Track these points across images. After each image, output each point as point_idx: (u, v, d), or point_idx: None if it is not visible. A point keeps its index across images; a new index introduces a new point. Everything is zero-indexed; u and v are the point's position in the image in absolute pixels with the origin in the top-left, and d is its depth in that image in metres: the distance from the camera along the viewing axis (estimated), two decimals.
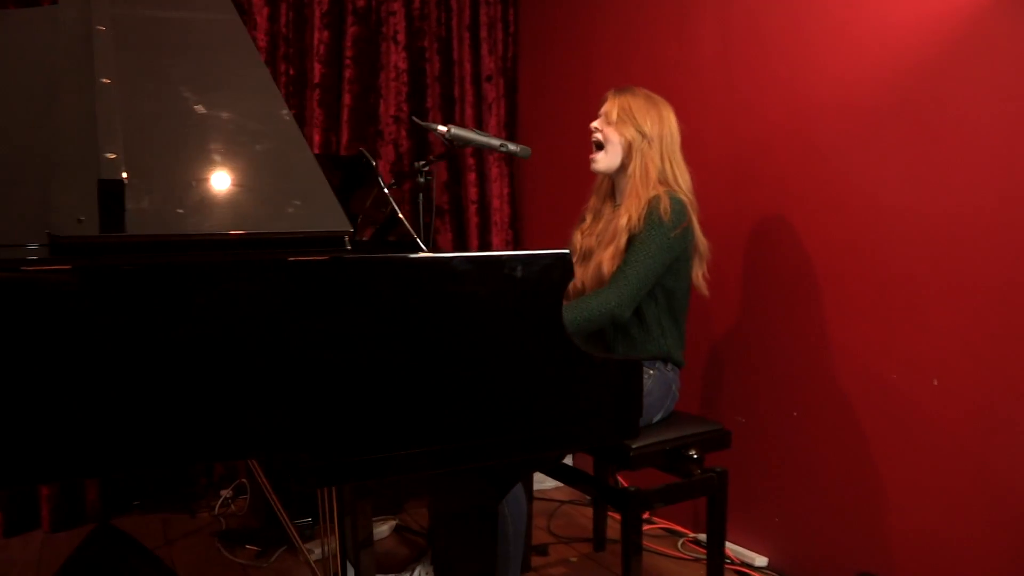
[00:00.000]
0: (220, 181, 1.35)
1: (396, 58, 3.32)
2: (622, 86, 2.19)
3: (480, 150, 3.50)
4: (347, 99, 3.21)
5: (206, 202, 1.31)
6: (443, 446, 1.39)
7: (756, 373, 2.51)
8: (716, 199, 2.61)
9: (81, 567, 1.92)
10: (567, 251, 1.47)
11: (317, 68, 3.14)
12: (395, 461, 1.37)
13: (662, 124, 2.13)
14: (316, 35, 3.14)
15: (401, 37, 3.31)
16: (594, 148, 2.18)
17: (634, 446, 2.03)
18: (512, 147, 2.18)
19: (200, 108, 1.58)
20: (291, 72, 3.13)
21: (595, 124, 2.18)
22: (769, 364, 2.46)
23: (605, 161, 2.16)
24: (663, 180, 2.11)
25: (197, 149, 1.43)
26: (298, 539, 2.08)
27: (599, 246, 2.12)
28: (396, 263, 1.33)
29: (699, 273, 2.18)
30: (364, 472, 1.36)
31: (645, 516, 2.93)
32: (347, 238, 1.31)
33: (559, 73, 3.35)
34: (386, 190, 1.71)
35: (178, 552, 2.66)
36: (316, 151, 3.16)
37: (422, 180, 2.35)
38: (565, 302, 2.13)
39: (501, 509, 2.01)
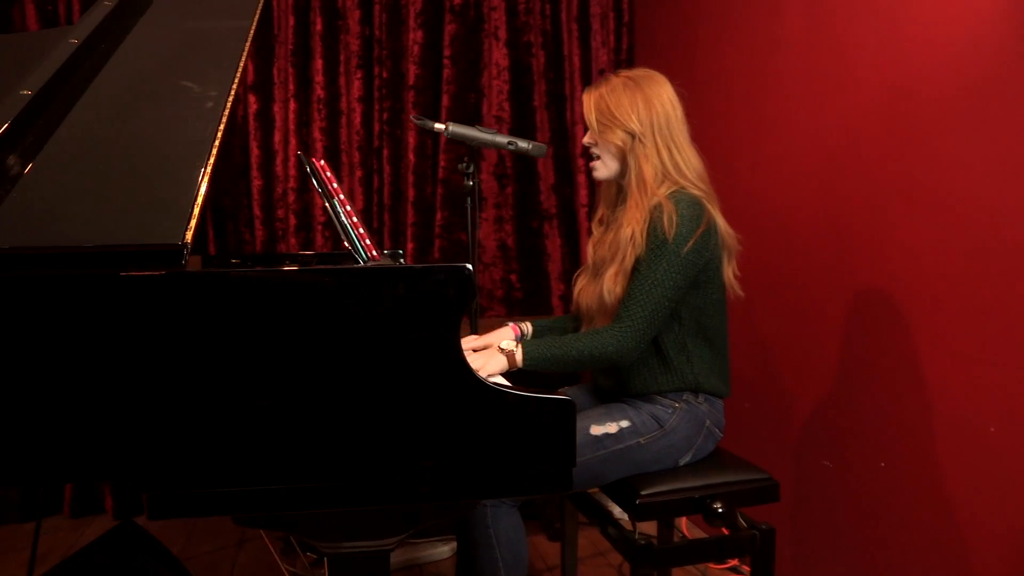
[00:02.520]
0: (83, 190, 1.28)
1: (497, 55, 3.17)
2: (596, 80, 1.89)
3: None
4: (445, 100, 3.12)
5: (53, 212, 1.24)
6: (298, 485, 1.22)
7: (843, 412, 2.08)
8: (800, 198, 2.21)
9: (89, 560, 1.97)
10: (466, 265, 1.26)
11: (412, 69, 3.07)
12: (245, 497, 1.23)
13: (650, 109, 1.79)
14: (410, 35, 3.07)
15: (502, 33, 3.16)
16: (593, 156, 1.90)
17: (643, 492, 1.74)
18: (523, 144, 1.96)
19: (125, 114, 1.55)
20: (384, 75, 3.08)
21: (586, 140, 1.89)
22: (857, 403, 2.02)
23: (604, 169, 1.87)
24: (666, 176, 1.78)
25: (88, 158, 1.37)
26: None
27: (610, 260, 1.83)
28: (228, 279, 1.19)
29: (729, 272, 1.82)
30: (209, 507, 1.23)
31: (732, 563, 2.56)
32: (185, 251, 1.19)
33: (676, 61, 3.03)
34: (325, 199, 1.56)
35: (244, 553, 2.70)
36: (411, 155, 3.09)
37: (470, 183, 2.20)
38: (586, 326, 1.88)
39: (493, 554, 1.81)
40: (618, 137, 1.80)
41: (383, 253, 2.47)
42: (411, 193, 3.11)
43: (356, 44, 3.06)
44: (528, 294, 3.31)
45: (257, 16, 2.04)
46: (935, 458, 1.79)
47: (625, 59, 3.27)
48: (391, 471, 1.24)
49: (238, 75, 1.73)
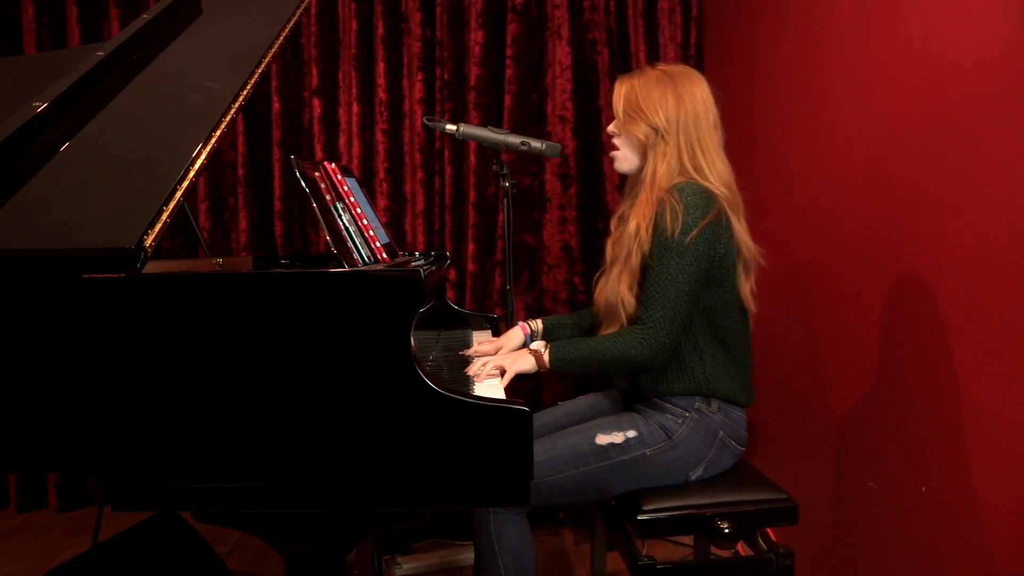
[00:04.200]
0: (64, 196, 1.34)
1: (560, 54, 3.12)
2: (633, 70, 1.83)
3: None
4: (507, 100, 3.09)
5: (24, 217, 1.30)
6: (248, 485, 1.24)
7: (887, 431, 1.92)
8: (851, 196, 2.06)
9: (126, 544, 2.07)
10: (417, 270, 1.24)
11: (473, 70, 3.07)
12: (200, 494, 1.25)
13: (680, 107, 1.71)
14: (472, 36, 3.07)
15: (565, 31, 3.10)
16: (613, 147, 1.85)
17: (645, 508, 1.67)
18: (536, 144, 1.92)
19: (135, 121, 1.61)
20: (445, 76, 3.09)
21: (610, 128, 1.84)
22: (902, 421, 1.86)
23: (624, 162, 1.82)
24: (682, 173, 1.71)
25: (83, 164, 1.44)
26: None
27: (618, 258, 1.77)
28: (180, 281, 1.22)
29: (746, 288, 1.73)
30: (166, 501, 1.26)
31: None
32: (143, 255, 1.22)
33: (739, 56, 2.89)
34: (315, 203, 1.57)
35: None
36: (472, 156, 3.09)
37: (506, 184, 2.18)
38: (603, 330, 1.82)
39: (495, 562, 1.78)
40: (641, 131, 1.75)
41: (425, 255, 2.48)
42: (472, 194, 3.11)
43: (417, 46, 3.08)
44: (592, 296, 3.24)
45: (291, 23, 2.09)
46: (975, 485, 1.62)
47: (694, 55, 3.15)
48: (339, 475, 1.24)
49: (252, 81, 1.77)
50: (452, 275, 3.14)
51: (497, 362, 1.75)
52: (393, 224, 3.15)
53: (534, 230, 3.20)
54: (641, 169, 1.80)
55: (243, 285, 1.23)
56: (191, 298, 1.22)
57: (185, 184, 1.39)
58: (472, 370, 1.73)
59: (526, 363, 1.74)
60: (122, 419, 1.22)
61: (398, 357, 1.23)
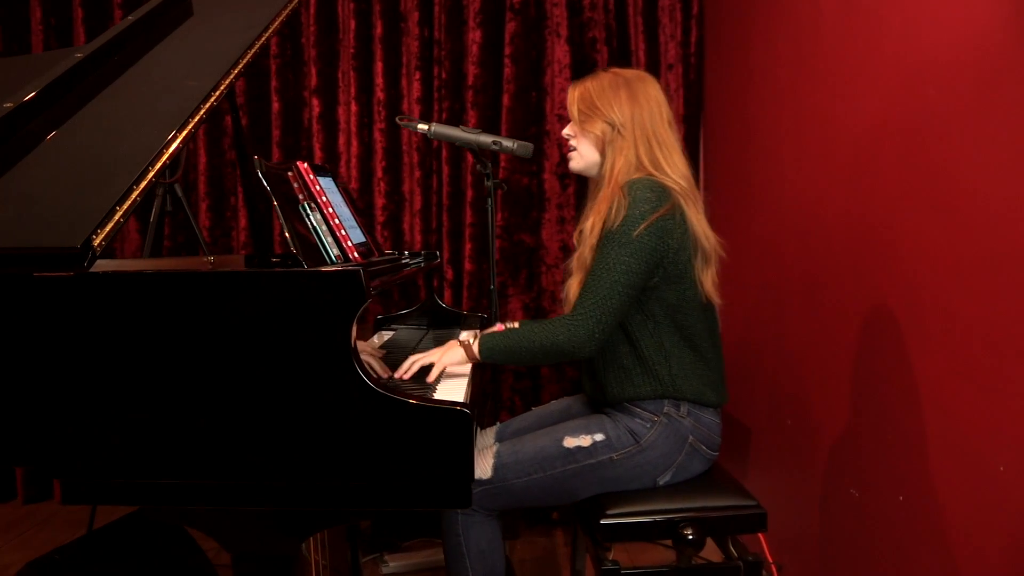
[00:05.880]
0: (18, 197, 1.37)
1: (559, 52, 3.11)
2: (586, 74, 1.83)
3: None
4: (505, 100, 3.09)
5: None
6: (180, 481, 1.25)
7: (868, 438, 1.88)
8: (832, 200, 2.02)
9: (111, 537, 2.10)
10: (356, 269, 1.24)
11: (471, 70, 3.07)
12: (143, 490, 1.27)
13: (634, 104, 1.71)
14: (470, 35, 3.07)
15: (563, 30, 3.09)
16: (570, 148, 1.84)
17: (609, 512, 1.66)
18: (508, 144, 1.92)
19: (106, 124, 1.63)
20: (443, 76, 3.10)
21: (566, 131, 1.83)
22: (881, 427, 1.83)
23: (579, 161, 1.81)
24: (640, 168, 1.70)
25: (44, 165, 1.46)
26: None
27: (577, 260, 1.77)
28: (130, 279, 1.24)
29: (707, 279, 1.71)
30: (112, 496, 1.28)
31: None
32: (90, 254, 1.24)
33: (736, 54, 2.86)
34: (275, 201, 1.58)
35: None
36: (469, 155, 3.07)
37: (489, 184, 2.18)
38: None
39: (463, 563, 1.77)
40: (598, 127, 1.74)
41: (414, 255, 2.48)
42: (470, 194, 3.11)
43: (415, 46, 3.09)
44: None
45: (277, 23, 2.09)
46: (946, 497, 1.58)
47: (694, 52, 3.12)
48: (281, 473, 1.25)
49: (227, 81, 1.78)
50: (449, 274, 3.14)
51: (425, 360, 1.72)
52: (391, 223, 3.15)
53: (532, 230, 3.19)
54: (600, 167, 1.79)
55: (188, 285, 1.24)
56: (135, 296, 1.23)
57: (143, 184, 1.41)
58: (399, 372, 1.69)
59: (454, 355, 1.71)
60: (66, 414, 1.23)
61: (338, 356, 1.23)
